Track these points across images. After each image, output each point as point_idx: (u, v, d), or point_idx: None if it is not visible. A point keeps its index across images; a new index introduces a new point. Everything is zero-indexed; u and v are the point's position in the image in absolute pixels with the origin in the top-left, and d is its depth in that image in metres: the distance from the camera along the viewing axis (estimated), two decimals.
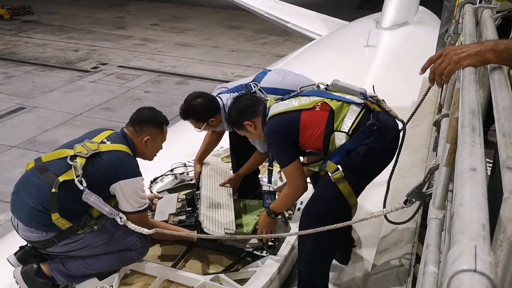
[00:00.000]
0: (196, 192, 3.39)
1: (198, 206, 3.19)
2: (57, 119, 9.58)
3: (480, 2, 2.65)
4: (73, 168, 2.45)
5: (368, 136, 2.46)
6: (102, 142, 2.58)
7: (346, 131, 2.47)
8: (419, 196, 2.10)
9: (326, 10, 12.88)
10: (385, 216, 2.81)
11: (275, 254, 2.86)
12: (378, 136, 2.47)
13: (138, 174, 2.62)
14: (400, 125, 2.66)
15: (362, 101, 2.54)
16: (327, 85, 2.70)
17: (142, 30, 17.72)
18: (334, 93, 2.61)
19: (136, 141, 2.72)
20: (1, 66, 13.08)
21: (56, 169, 2.49)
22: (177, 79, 12.51)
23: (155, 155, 2.88)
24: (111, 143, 2.60)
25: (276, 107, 2.62)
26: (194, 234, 2.95)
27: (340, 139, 2.48)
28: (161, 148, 2.89)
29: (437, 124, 2.62)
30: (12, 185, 2.63)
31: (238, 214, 3.16)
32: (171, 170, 3.85)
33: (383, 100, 2.62)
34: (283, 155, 2.59)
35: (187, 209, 3.23)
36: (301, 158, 2.77)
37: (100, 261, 2.64)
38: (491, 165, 3.03)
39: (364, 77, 6.41)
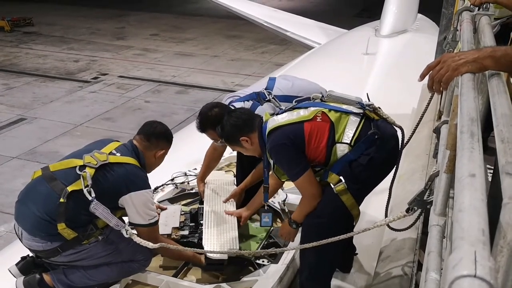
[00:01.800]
0: (199, 207, 3.34)
1: (200, 221, 3.15)
2: (58, 130, 9.61)
3: (478, 10, 2.67)
4: (81, 178, 2.43)
5: (370, 146, 2.45)
6: (111, 153, 2.58)
7: (348, 142, 2.44)
8: (421, 203, 2.09)
9: (325, 19, 12.96)
10: (388, 225, 2.81)
11: (276, 262, 2.86)
12: (380, 145, 2.46)
13: (148, 186, 2.62)
14: (398, 131, 2.65)
15: (360, 110, 2.52)
16: (322, 96, 2.66)
17: (142, 40, 17.82)
18: (330, 104, 2.58)
19: (148, 155, 2.72)
20: (1, 77, 13.14)
21: (64, 179, 2.47)
22: (177, 88, 12.55)
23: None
24: (120, 155, 2.59)
25: (275, 120, 2.57)
26: (201, 257, 2.88)
27: (341, 150, 2.45)
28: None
29: (437, 131, 2.62)
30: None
31: (240, 238, 3.07)
32: (172, 180, 3.85)
33: (379, 108, 2.60)
34: (295, 168, 2.51)
35: (190, 224, 3.18)
36: None
37: (102, 272, 2.63)
38: (491, 171, 3.03)
39: (363, 85, 6.43)
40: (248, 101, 3.22)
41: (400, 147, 2.64)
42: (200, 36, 18.53)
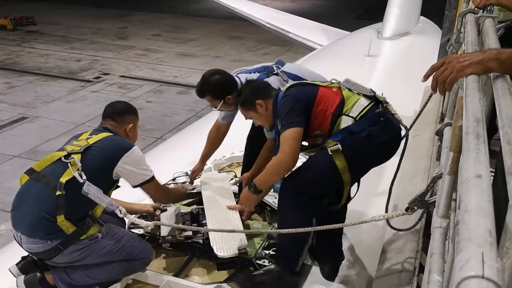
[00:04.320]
0: (199, 207, 3.31)
1: (202, 221, 3.12)
2: (59, 129, 9.61)
3: (482, 12, 2.66)
4: (70, 166, 2.45)
5: (373, 124, 2.54)
6: (87, 138, 2.63)
7: (354, 116, 2.55)
8: (421, 204, 2.10)
9: (327, 20, 12.95)
10: (388, 223, 2.80)
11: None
12: (383, 127, 2.55)
13: (133, 145, 2.70)
14: (403, 131, 2.71)
15: (371, 94, 2.66)
16: (339, 82, 2.80)
17: (144, 41, 17.83)
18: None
19: (119, 132, 2.78)
20: (4, 76, 13.15)
21: (53, 173, 2.48)
22: (179, 89, 12.55)
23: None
24: (96, 135, 2.65)
25: (292, 82, 2.80)
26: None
27: (346, 123, 2.55)
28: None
29: (439, 133, 2.61)
30: (14, 194, 2.61)
31: None
32: (173, 179, 3.85)
33: (389, 104, 2.71)
34: (290, 117, 2.55)
35: (193, 225, 3.15)
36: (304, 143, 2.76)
37: (104, 271, 2.63)
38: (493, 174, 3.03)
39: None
40: (254, 73, 3.23)
41: (403, 147, 2.72)
42: (202, 37, 18.54)
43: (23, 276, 2.60)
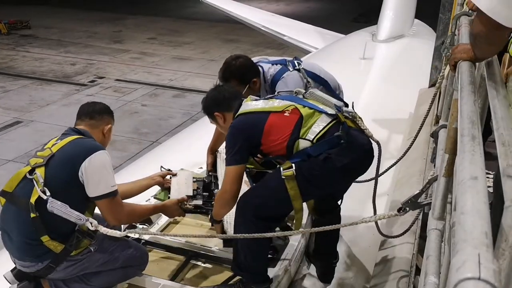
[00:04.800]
0: (212, 174, 3.25)
1: (214, 190, 3.07)
2: (54, 133, 9.38)
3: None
4: (35, 182, 2.32)
5: (332, 147, 2.36)
6: (53, 145, 2.46)
7: (311, 139, 2.37)
8: (414, 205, 2.07)
9: (322, 23, 13.00)
10: (378, 229, 2.78)
11: (273, 266, 2.84)
12: (343, 150, 2.36)
13: (100, 147, 2.47)
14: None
15: (333, 112, 2.45)
16: (305, 92, 2.64)
17: (139, 44, 17.82)
18: (309, 101, 2.55)
19: (96, 132, 2.63)
20: None
21: (22, 193, 2.36)
22: (174, 92, 12.54)
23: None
24: (61, 141, 2.47)
25: (247, 105, 2.57)
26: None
27: (303, 146, 2.39)
28: None
29: (434, 135, 2.62)
30: None
31: None
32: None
33: (360, 118, 2.52)
34: (231, 154, 2.48)
35: (204, 193, 3.07)
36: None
37: (101, 278, 2.59)
38: (488, 175, 3.03)
39: (360, 90, 6.44)
40: (276, 65, 3.20)
41: (378, 162, 2.59)
42: (198, 40, 18.55)
43: (17, 284, 2.56)
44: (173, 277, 2.82)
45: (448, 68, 2.98)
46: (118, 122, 11.26)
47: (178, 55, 16.51)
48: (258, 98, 2.71)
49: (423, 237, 2.53)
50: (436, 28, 6.26)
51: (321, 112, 2.45)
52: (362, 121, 2.51)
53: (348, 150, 2.36)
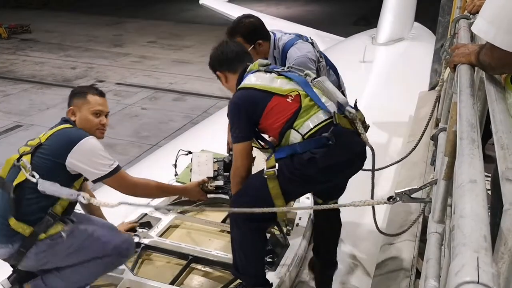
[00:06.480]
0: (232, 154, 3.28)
1: None
2: None
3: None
4: (22, 168, 2.41)
5: (319, 146, 2.31)
6: (43, 135, 2.56)
7: (303, 134, 2.34)
8: (407, 199, 2.04)
9: (322, 26, 13.02)
10: (378, 228, 2.76)
11: (274, 270, 2.84)
12: (330, 150, 2.31)
13: (83, 135, 2.51)
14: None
15: (333, 110, 2.39)
16: (314, 78, 2.55)
17: (139, 48, 17.85)
18: (314, 89, 2.47)
19: (73, 119, 2.67)
20: None
21: (10, 178, 2.45)
22: (174, 95, 12.55)
23: (100, 130, 2.68)
24: (50, 130, 2.58)
25: (252, 78, 2.51)
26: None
27: (294, 138, 2.36)
28: (97, 117, 2.68)
29: (434, 138, 2.62)
30: None
31: None
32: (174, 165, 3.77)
33: (360, 121, 2.43)
34: (238, 131, 2.48)
35: (224, 173, 3.06)
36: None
37: (78, 272, 2.54)
38: (488, 179, 3.03)
39: (360, 93, 6.44)
40: (291, 35, 3.23)
41: (372, 169, 2.52)
42: (198, 44, 18.57)
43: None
44: (173, 281, 2.81)
45: (447, 71, 2.99)
46: (118, 125, 11.29)
47: (178, 58, 16.54)
48: (267, 63, 2.64)
49: (423, 240, 2.53)
50: (436, 31, 6.27)
51: (320, 107, 2.40)
52: (361, 124, 2.43)
53: (336, 151, 2.31)
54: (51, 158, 2.44)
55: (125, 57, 16.48)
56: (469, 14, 2.78)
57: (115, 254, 2.60)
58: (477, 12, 2.72)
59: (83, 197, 2.42)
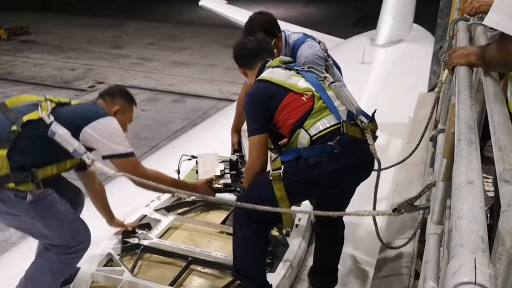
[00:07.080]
0: (239, 154, 3.28)
1: (241, 169, 3.08)
2: None
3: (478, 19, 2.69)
4: (40, 108, 2.34)
5: (325, 153, 2.31)
6: (72, 100, 2.56)
7: (312, 134, 2.33)
8: (410, 208, 2.05)
9: (321, 28, 13.01)
10: (380, 238, 2.76)
11: (273, 271, 2.84)
12: (335, 157, 2.30)
13: (109, 115, 2.52)
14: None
15: (342, 118, 2.38)
16: (332, 82, 2.55)
17: (138, 49, 17.85)
18: (329, 92, 2.48)
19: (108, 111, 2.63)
20: None
21: (20, 111, 2.36)
22: (174, 97, 12.54)
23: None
24: (80, 101, 2.60)
25: (271, 72, 2.53)
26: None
27: (303, 138, 2.36)
28: (127, 125, 2.83)
29: (433, 139, 2.63)
30: None
31: None
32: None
33: (372, 131, 2.43)
34: (253, 123, 2.48)
35: (231, 172, 3.08)
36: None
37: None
38: (488, 180, 3.04)
39: (359, 94, 6.45)
40: (299, 33, 3.28)
41: (376, 180, 2.55)
42: (197, 45, 18.58)
43: None
44: (173, 283, 2.81)
45: (446, 72, 3.00)
46: None
47: (178, 60, 16.54)
48: (289, 60, 2.67)
49: (422, 241, 2.53)
50: (434, 33, 6.28)
51: (331, 111, 2.39)
52: (370, 134, 2.40)
53: (339, 159, 2.31)
54: (72, 117, 2.40)
55: (124, 59, 16.48)
56: (468, 16, 2.78)
57: (66, 254, 2.50)
58: (476, 14, 2.74)
59: (88, 157, 2.35)
